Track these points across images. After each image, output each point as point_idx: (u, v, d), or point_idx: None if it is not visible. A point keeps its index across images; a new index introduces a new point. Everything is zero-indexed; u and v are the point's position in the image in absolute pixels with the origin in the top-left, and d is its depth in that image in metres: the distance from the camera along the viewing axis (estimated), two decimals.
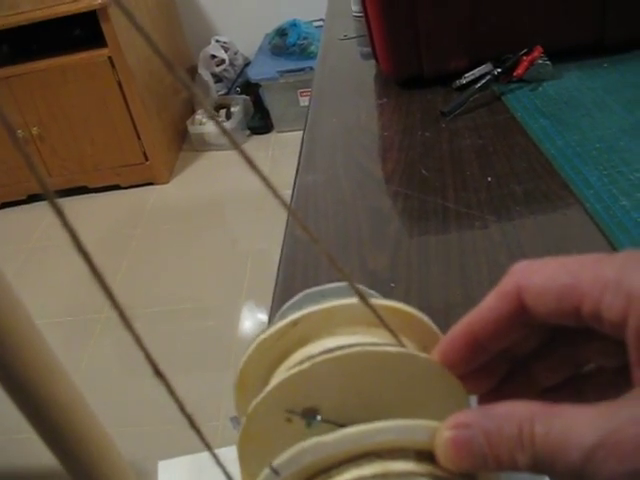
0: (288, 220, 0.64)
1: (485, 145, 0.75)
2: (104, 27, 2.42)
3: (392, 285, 0.57)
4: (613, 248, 0.57)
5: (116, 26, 2.43)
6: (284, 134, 2.90)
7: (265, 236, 2.32)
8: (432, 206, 0.67)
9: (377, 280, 0.58)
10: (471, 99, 0.83)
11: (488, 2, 0.84)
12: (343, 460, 0.25)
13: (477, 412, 0.25)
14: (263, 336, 0.28)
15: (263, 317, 2.04)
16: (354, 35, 1.15)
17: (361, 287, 0.30)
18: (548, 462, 0.22)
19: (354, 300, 0.28)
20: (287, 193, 2.46)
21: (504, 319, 0.27)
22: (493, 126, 0.79)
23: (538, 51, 0.85)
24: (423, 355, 0.27)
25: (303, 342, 0.28)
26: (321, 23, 2.85)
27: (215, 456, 0.23)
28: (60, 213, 0.16)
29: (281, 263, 0.61)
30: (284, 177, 2.89)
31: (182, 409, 0.20)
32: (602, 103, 0.79)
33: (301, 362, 0.26)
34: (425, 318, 0.30)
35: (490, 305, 0.27)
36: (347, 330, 0.28)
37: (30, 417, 0.20)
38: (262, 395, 0.26)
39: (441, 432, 0.25)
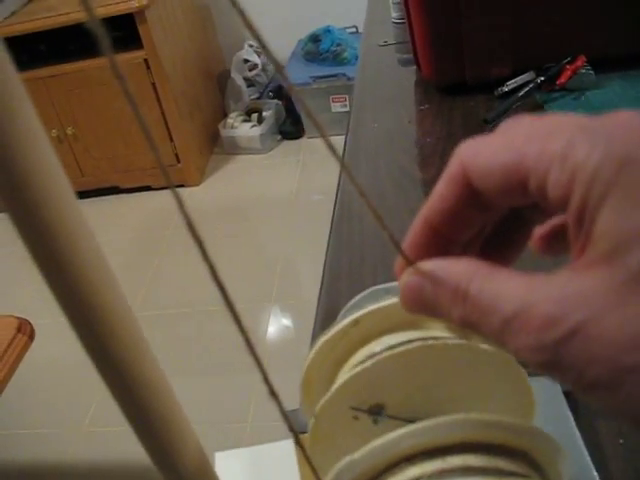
0: (333, 219, 0.65)
1: None
2: (141, 30, 2.45)
3: None
4: None
5: (152, 29, 2.46)
6: (315, 140, 2.91)
7: (293, 241, 2.33)
8: None
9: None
10: (513, 107, 0.83)
11: (532, 10, 0.84)
12: (407, 456, 0.26)
13: (435, 263, 0.25)
14: (325, 337, 0.28)
15: (289, 322, 2.05)
16: (394, 42, 1.15)
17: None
18: (475, 322, 0.22)
19: None
20: (319, 198, 2.48)
21: (457, 205, 0.26)
22: None
23: (581, 60, 0.85)
24: (484, 346, 0.27)
25: (365, 340, 0.28)
26: (354, 30, 2.87)
27: (297, 438, 0.23)
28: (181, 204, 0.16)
29: (326, 264, 0.62)
30: (315, 182, 2.89)
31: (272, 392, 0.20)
32: None
33: (364, 360, 0.27)
34: None
35: (441, 192, 0.26)
36: (409, 326, 0.28)
37: (120, 396, 0.21)
38: (329, 395, 0.27)
39: (404, 276, 0.25)
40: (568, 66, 0.85)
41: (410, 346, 0.26)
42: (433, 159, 0.78)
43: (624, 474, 0.40)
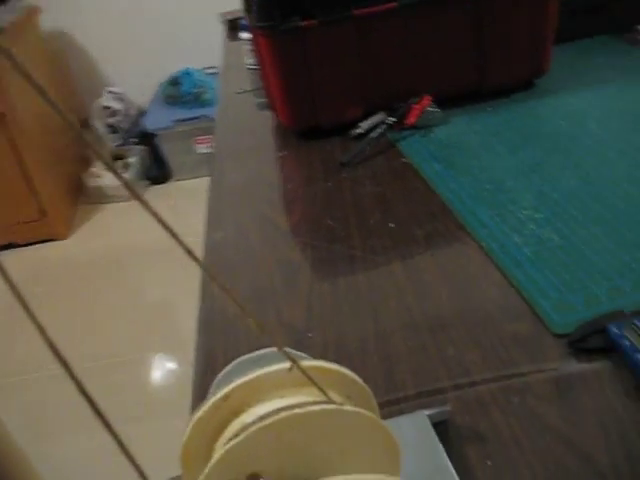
0: (203, 278, 0.66)
1: (385, 192, 0.79)
2: None
3: (310, 335, 0.59)
4: (510, 284, 0.61)
5: (8, 82, 2.38)
6: (183, 182, 2.90)
7: (172, 286, 2.30)
8: (340, 254, 0.70)
9: (295, 331, 0.60)
10: (368, 148, 0.87)
11: (378, 56, 0.89)
12: None
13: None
14: (199, 414, 0.29)
15: (173, 366, 2.02)
16: (250, 88, 1.18)
17: (289, 350, 0.32)
18: None
19: (278, 367, 0.30)
20: (192, 240, 2.47)
21: None
22: (391, 173, 0.83)
23: (427, 99, 0.91)
24: (347, 407, 0.29)
25: (237, 413, 0.29)
26: (215, 71, 2.89)
27: None
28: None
29: (200, 328, 0.62)
30: (188, 224, 2.87)
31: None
32: (488, 145, 0.85)
33: (237, 433, 0.28)
34: (346, 371, 0.32)
35: None
36: (276, 394, 0.30)
37: None
38: (205, 472, 0.28)
39: None
40: (415, 105, 0.91)
41: (277, 416, 0.27)
42: (296, 205, 0.80)
43: None
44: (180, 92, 2.74)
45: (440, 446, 0.44)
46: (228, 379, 0.30)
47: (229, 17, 1.46)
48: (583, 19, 1.13)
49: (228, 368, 0.35)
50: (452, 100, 0.96)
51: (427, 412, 0.45)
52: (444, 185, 0.78)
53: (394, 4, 0.85)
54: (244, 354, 0.37)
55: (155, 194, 2.88)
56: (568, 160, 0.79)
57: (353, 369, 0.33)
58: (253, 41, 0.97)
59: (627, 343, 0.52)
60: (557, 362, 0.53)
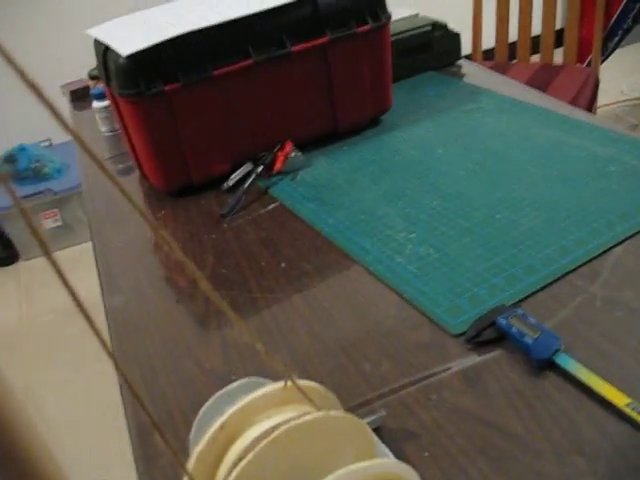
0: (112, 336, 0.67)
1: (269, 236, 0.84)
2: None
3: (233, 378, 0.62)
4: (403, 299, 0.68)
5: None
6: (32, 261, 2.78)
7: (33, 370, 2.20)
8: (241, 299, 0.74)
9: (218, 377, 0.63)
10: (243, 197, 0.92)
11: (239, 110, 0.95)
12: None
13: None
14: (199, 447, 0.32)
15: None
16: (109, 155, 1.19)
17: (256, 378, 0.36)
18: None
19: (259, 392, 0.34)
20: (50, 318, 2.36)
21: None
22: (270, 217, 0.88)
23: (289, 146, 0.98)
24: (333, 412, 0.33)
25: (233, 439, 0.33)
26: (49, 144, 2.83)
27: None
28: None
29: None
30: (42, 302, 2.75)
31: None
32: (353, 181, 0.93)
33: (240, 457, 0.31)
34: (319, 385, 0.36)
35: None
36: (263, 416, 0.33)
37: None
38: None
39: None
40: (279, 153, 0.97)
41: (279, 430, 0.31)
42: (177, 263, 0.83)
43: (435, 478, 0.49)
44: (17, 169, 2.65)
45: (386, 448, 0.49)
46: (213, 413, 0.33)
47: (72, 88, 1.46)
48: (412, 58, 1.25)
49: (208, 403, 0.38)
50: (312, 143, 1.03)
51: (366, 420, 0.50)
52: (322, 222, 0.84)
53: (250, 62, 0.91)
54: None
55: (3, 276, 2.75)
56: (425, 184, 0.89)
57: None
58: (114, 108, 0.99)
59: (514, 330, 0.60)
60: (461, 358, 0.60)
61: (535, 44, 2.14)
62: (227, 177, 0.97)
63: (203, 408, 0.37)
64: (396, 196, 0.87)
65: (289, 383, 0.35)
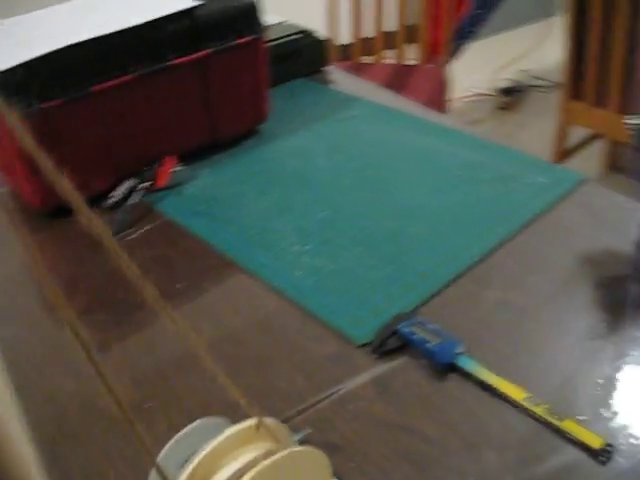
0: None
1: (161, 254, 0.84)
2: None
3: (149, 405, 0.62)
4: (307, 313, 0.70)
5: None
6: None
7: None
8: (139, 324, 0.73)
9: (133, 405, 0.62)
10: (130, 216, 0.91)
11: (120, 125, 0.93)
12: None
13: None
14: None
15: None
16: None
17: (208, 419, 0.37)
18: None
19: (226, 434, 0.35)
20: None
21: None
22: (160, 235, 0.88)
23: (172, 160, 0.97)
24: (298, 448, 0.35)
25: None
26: None
27: None
28: None
29: None
30: None
31: None
32: (240, 193, 0.94)
33: None
34: (274, 421, 0.37)
35: None
36: (230, 458, 0.34)
37: None
38: None
39: None
40: (163, 167, 0.96)
41: (251, 472, 0.32)
42: (79, 285, 0.81)
43: None
44: None
45: None
46: (175, 457, 0.34)
47: None
48: (282, 66, 1.27)
49: (167, 447, 0.38)
50: (194, 156, 1.03)
51: (295, 438, 0.52)
52: (216, 237, 0.85)
53: (129, 77, 0.90)
54: None
55: None
56: (312, 195, 0.91)
57: None
58: None
59: (417, 337, 0.64)
60: (370, 368, 0.63)
61: (388, 40, 2.24)
62: (109, 194, 0.95)
63: (162, 453, 0.38)
64: (285, 208, 0.89)
65: (254, 422, 0.36)
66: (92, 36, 0.86)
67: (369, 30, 2.23)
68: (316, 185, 0.93)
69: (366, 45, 2.28)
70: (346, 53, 2.34)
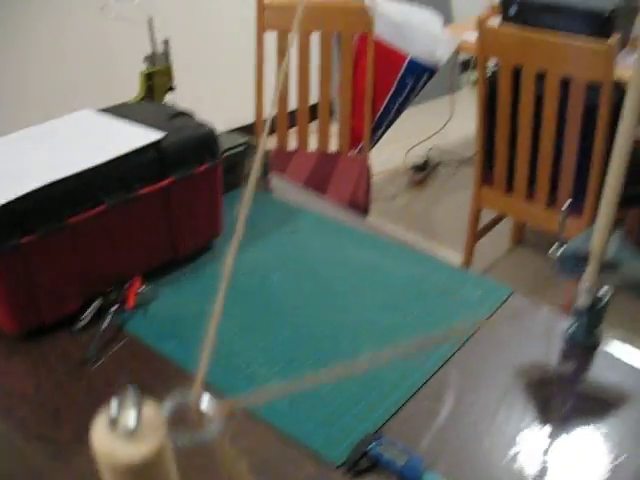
0: None
1: (137, 378, 0.90)
2: None
3: None
4: (282, 434, 0.78)
5: None
6: None
7: None
8: None
9: None
10: (102, 339, 0.96)
11: (92, 252, 0.99)
12: None
13: None
14: None
15: None
16: None
17: None
18: None
19: None
20: None
21: None
22: (133, 357, 0.94)
23: (138, 281, 1.04)
24: None
25: None
26: None
27: None
28: None
29: None
30: None
31: None
32: (203, 312, 1.00)
33: None
34: None
35: None
36: None
37: None
38: None
39: None
40: (130, 289, 1.03)
41: None
42: (52, 417, 0.85)
43: None
44: None
45: None
46: None
47: None
48: (227, 176, 1.37)
49: None
50: (155, 273, 1.10)
51: None
52: (187, 360, 0.92)
53: (101, 208, 0.97)
54: None
55: None
56: (270, 313, 1.00)
57: None
58: None
59: (385, 458, 0.73)
60: None
61: (312, 112, 2.39)
62: (79, 317, 1.00)
63: None
64: (249, 328, 0.97)
65: None
66: (68, 173, 0.93)
67: (294, 103, 2.38)
68: (275, 303, 1.02)
69: (290, 118, 2.43)
70: (272, 127, 2.46)
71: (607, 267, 0.87)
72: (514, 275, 2.69)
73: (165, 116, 1.12)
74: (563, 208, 0.93)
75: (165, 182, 1.04)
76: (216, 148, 1.11)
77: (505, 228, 2.94)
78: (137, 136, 1.03)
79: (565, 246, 0.90)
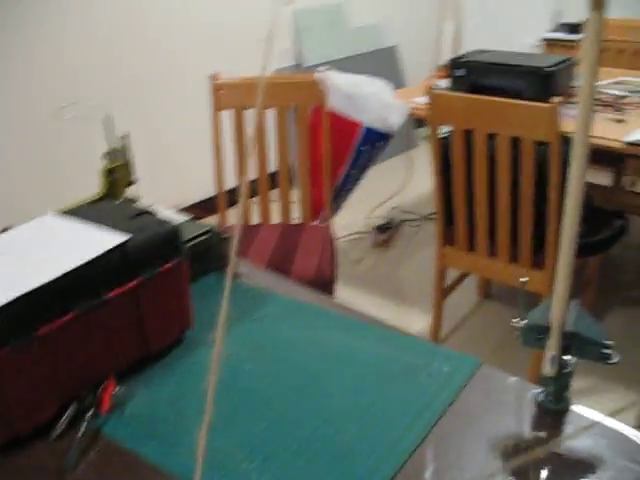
0: None
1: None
2: None
3: None
4: None
5: None
6: None
7: None
8: None
9: None
10: (79, 447, 0.96)
11: (61, 359, 1.00)
12: None
13: None
14: None
15: None
16: None
17: None
18: None
19: None
20: None
21: None
22: (111, 464, 0.93)
23: (112, 384, 1.04)
24: None
25: None
26: None
27: None
28: None
29: None
30: None
31: None
32: (179, 410, 1.02)
33: None
34: None
35: None
36: None
37: None
38: None
39: None
40: (104, 392, 1.03)
41: None
42: None
43: None
44: None
45: None
46: None
47: None
48: (193, 265, 1.39)
49: None
50: (127, 372, 1.10)
51: None
52: (168, 462, 0.92)
53: (70, 315, 0.98)
54: None
55: None
56: (246, 407, 1.01)
57: None
58: None
59: None
60: None
61: (273, 180, 2.44)
62: (54, 426, 1.00)
63: None
64: (225, 423, 0.98)
65: None
66: (36, 285, 0.94)
67: (253, 172, 2.43)
68: (248, 396, 1.03)
69: (251, 187, 2.47)
70: (232, 197, 2.48)
71: (567, 337, 0.91)
72: (484, 330, 2.73)
73: (127, 216, 1.14)
74: (521, 279, 0.97)
75: (133, 283, 1.06)
76: (180, 244, 1.13)
77: (472, 283, 2.99)
78: (102, 240, 1.05)
79: (526, 319, 0.93)
